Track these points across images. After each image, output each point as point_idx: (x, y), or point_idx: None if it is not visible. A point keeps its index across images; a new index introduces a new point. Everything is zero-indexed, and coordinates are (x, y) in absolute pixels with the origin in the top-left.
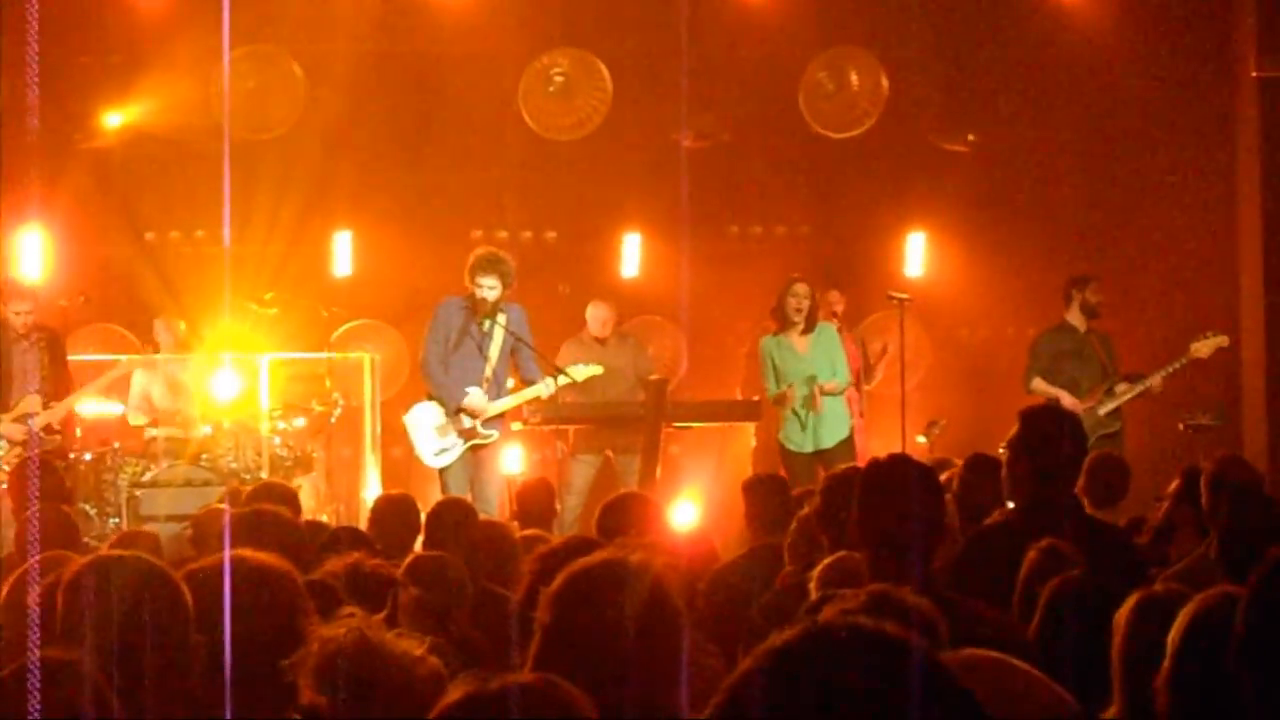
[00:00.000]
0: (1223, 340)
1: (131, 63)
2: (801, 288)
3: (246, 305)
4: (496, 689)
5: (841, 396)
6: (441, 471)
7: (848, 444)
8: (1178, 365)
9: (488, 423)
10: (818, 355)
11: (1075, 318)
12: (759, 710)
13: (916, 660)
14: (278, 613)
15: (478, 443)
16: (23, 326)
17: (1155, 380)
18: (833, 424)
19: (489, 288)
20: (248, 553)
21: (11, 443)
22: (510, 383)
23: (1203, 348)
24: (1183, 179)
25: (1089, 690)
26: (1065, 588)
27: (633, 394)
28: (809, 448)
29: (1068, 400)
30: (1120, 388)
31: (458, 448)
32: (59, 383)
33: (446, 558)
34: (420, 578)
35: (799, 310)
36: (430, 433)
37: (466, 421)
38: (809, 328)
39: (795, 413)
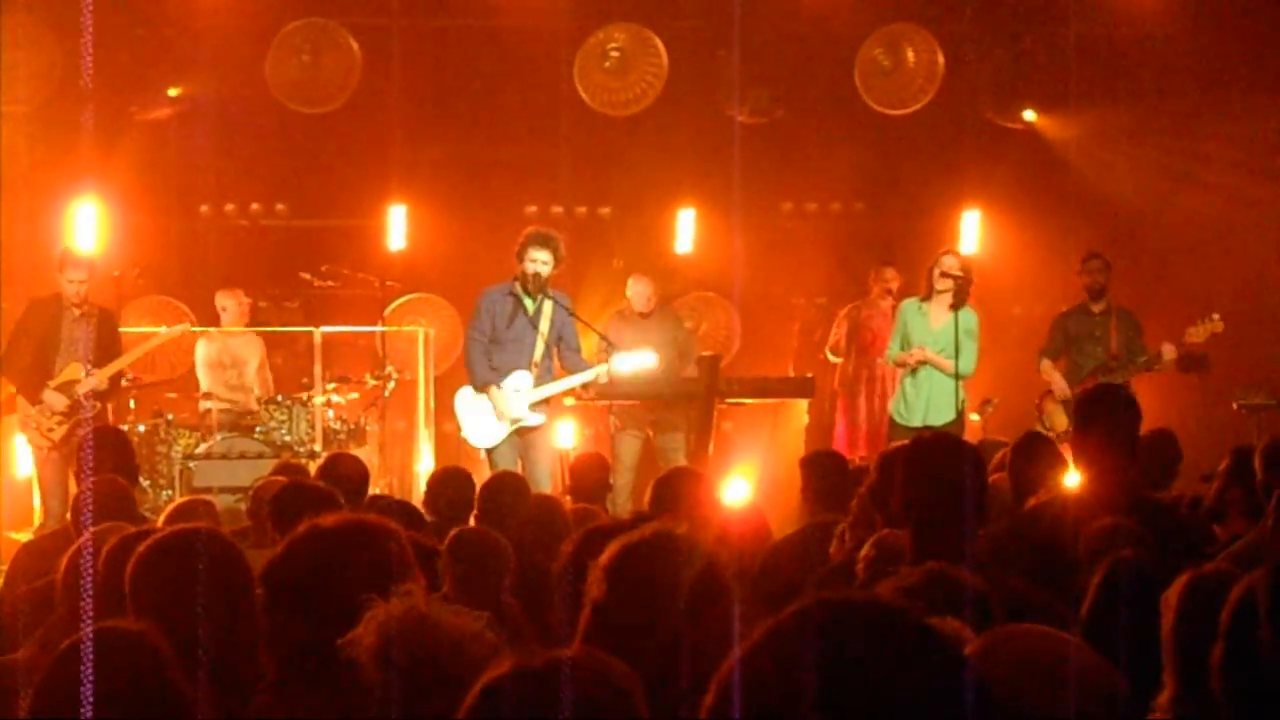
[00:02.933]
0: (1217, 326)
1: (187, 35)
2: (949, 260)
3: (302, 278)
4: (542, 663)
5: (955, 380)
6: (489, 452)
7: (954, 426)
8: (1167, 356)
9: (535, 407)
10: (945, 333)
11: (1087, 299)
12: (760, 682)
13: (913, 631)
14: (381, 576)
15: (524, 425)
16: (75, 296)
17: (1125, 375)
18: (939, 404)
19: (542, 262)
20: (355, 515)
21: (53, 412)
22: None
23: (1197, 333)
24: (1244, 151)
25: (1143, 670)
26: (1119, 566)
27: (671, 368)
28: (915, 422)
29: (1058, 387)
30: (1115, 374)
31: (503, 430)
32: (106, 356)
33: (488, 532)
34: (461, 552)
35: (941, 278)
36: (476, 413)
37: (514, 403)
38: (957, 304)
39: (905, 387)
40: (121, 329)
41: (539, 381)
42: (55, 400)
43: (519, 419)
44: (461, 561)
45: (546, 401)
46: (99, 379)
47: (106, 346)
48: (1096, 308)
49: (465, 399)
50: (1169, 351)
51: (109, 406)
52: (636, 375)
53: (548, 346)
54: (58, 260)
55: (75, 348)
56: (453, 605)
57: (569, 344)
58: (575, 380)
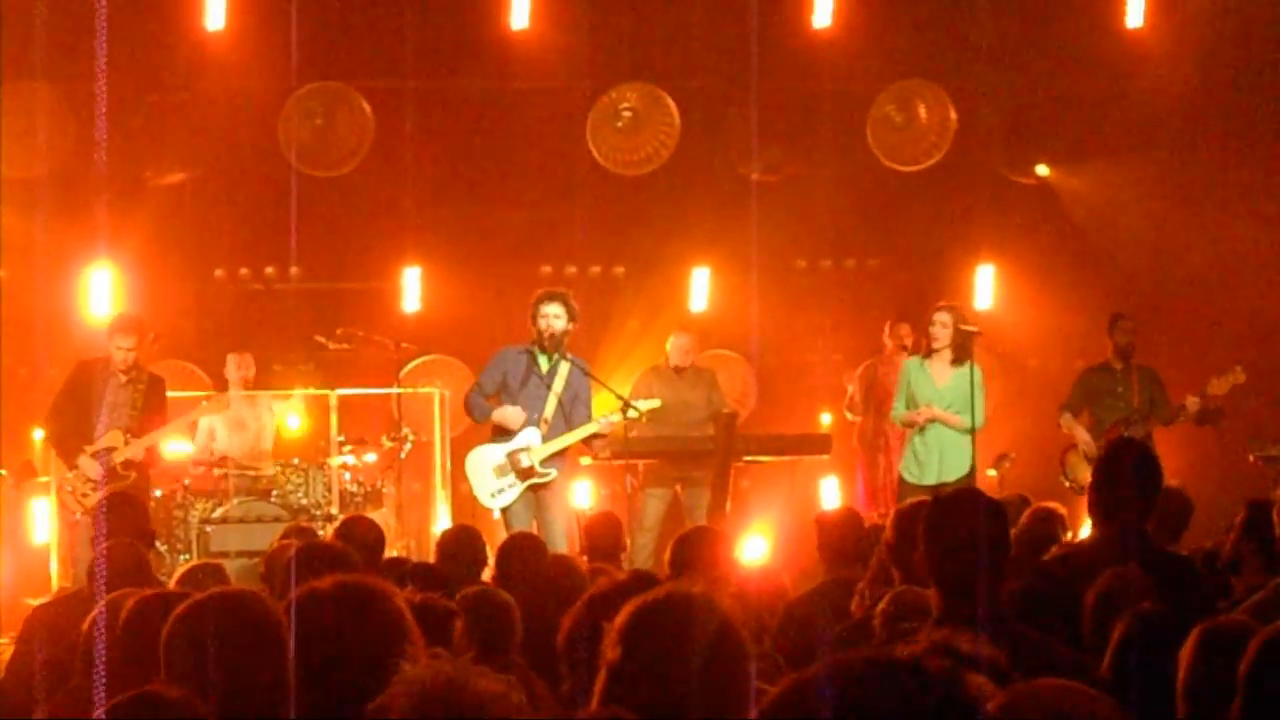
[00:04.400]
0: (1239, 377)
1: (200, 100)
2: (941, 315)
3: (316, 341)
4: None
5: (966, 436)
6: (504, 511)
7: (967, 480)
8: (1191, 408)
9: (546, 462)
10: (951, 389)
11: (1113, 357)
12: None
13: (936, 691)
14: (378, 637)
15: (536, 482)
16: (123, 363)
17: (1146, 427)
18: (953, 460)
19: (554, 315)
20: (350, 577)
21: (87, 479)
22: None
23: (1220, 384)
24: (1255, 208)
25: None
26: (1140, 621)
27: (704, 428)
28: (927, 480)
29: (1082, 440)
30: (1136, 427)
31: (515, 488)
32: (150, 424)
33: (495, 591)
34: (468, 612)
35: (935, 338)
36: (489, 473)
37: (524, 461)
38: (958, 360)
39: (915, 445)
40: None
41: (548, 438)
42: (90, 467)
43: (531, 473)
44: (469, 621)
45: (561, 455)
46: (136, 449)
47: (153, 413)
48: (1119, 365)
49: (477, 461)
50: (1192, 404)
51: (149, 473)
52: (661, 432)
53: (560, 404)
54: (109, 327)
55: (118, 414)
56: (478, 667)
57: (583, 405)
58: (582, 432)
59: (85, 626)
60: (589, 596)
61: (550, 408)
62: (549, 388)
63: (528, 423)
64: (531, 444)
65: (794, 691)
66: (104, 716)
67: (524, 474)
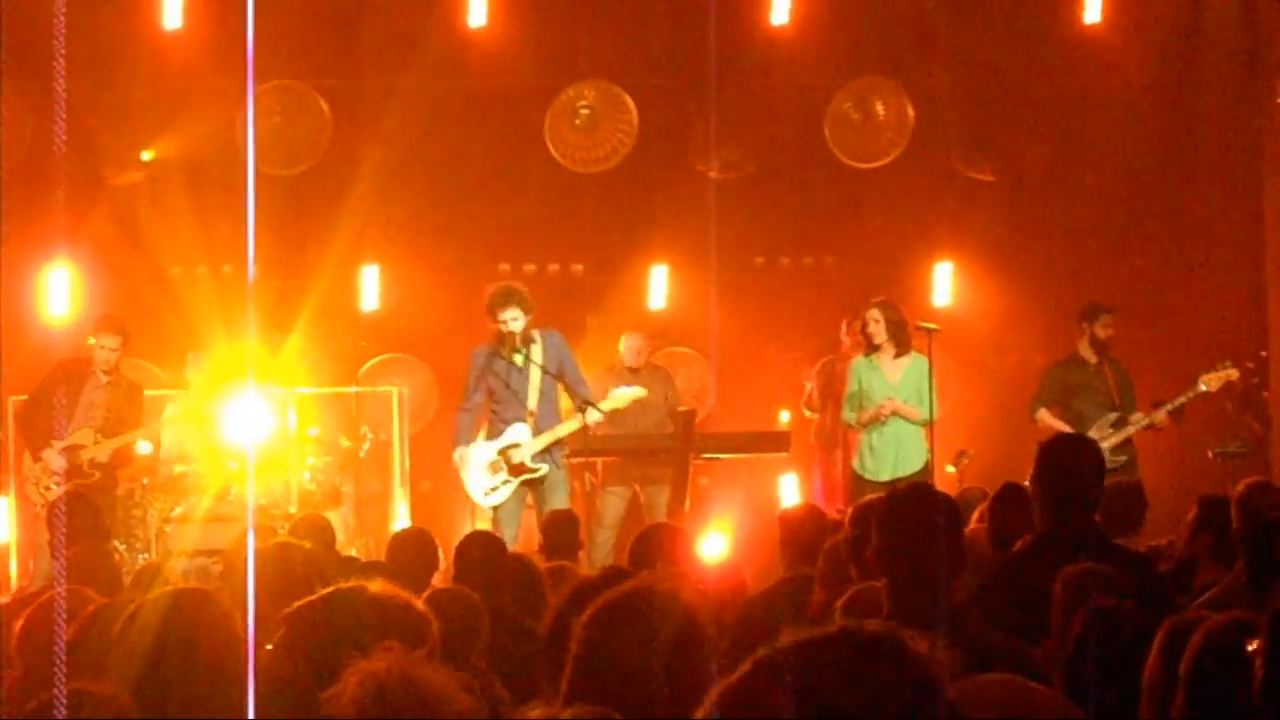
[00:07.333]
0: (1232, 374)
1: (158, 99)
2: (873, 311)
3: (275, 340)
4: None
5: (921, 429)
6: (496, 509)
7: (922, 474)
8: (1185, 399)
9: (537, 456)
10: (905, 384)
11: (1086, 351)
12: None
13: (901, 667)
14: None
15: (528, 478)
16: (105, 363)
17: (1160, 415)
18: (909, 454)
19: (513, 320)
20: (389, 587)
21: (51, 471)
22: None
23: (1212, 380)
24: (1210, 206)
25: (1123, 717)
26: (1097, 617)
27: (662, 426)
28: (883, 476)
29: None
30: (1132, 418)
31: (509, 485)
32: (122, 427)
33: (462, 590)
34: (437, 611)
35: (874, 334)
36: (481, 471)
37: (515, 457)
38: (901, 351)
39: (870, 440)
40: None
41: (538, 430)
42: (54, 460)
43: (523, 469)
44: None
45: (554, 448)
46: (104, 450)
47: (128, 420)
48: (1093, 358)
49: (469, 459)
50: (1161, 419)
51: (117, 475)
52: (620, 430)
53: (542, 394)
54: (94, 324)
55: (92, 413)
56: (431, 663)
57: (571, 367)
58: (564, 429)
59: (19, 625)
60: (569, 593)
61: (533, 399)
62: (527, 378)
63: (516, 419)
64: (521, 440)
65: (756, 671)
66: (30, 713)
67: (516, 470)
